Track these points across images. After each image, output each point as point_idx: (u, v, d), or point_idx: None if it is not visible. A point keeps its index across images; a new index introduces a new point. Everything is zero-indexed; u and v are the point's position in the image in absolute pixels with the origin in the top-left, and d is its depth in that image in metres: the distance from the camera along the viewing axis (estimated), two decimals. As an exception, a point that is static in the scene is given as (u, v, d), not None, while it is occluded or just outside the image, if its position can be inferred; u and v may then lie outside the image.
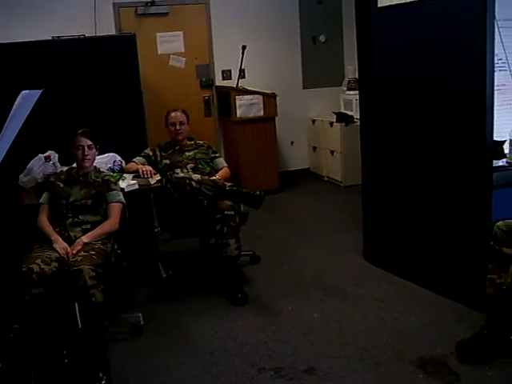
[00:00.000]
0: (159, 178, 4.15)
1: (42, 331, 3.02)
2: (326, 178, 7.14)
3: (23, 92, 1.23)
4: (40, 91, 1.36)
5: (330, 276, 4.20)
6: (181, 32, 6.71)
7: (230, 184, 4.20)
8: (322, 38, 7.22)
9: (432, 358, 2.98)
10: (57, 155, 4.14)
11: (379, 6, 3.78)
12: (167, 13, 6.61)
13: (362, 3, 3.96)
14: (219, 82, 7.00)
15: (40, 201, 3.58)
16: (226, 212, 3.93)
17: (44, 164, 4.03)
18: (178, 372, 3.07)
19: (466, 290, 3.47)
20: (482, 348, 2.90)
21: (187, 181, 4.00)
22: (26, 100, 1.25)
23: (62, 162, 4.08)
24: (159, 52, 6.71)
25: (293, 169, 7.47)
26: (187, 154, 4.50)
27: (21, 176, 4.08)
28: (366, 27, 3.96)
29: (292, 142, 7.43)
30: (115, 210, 3.55)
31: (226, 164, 4.59)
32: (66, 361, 3.17)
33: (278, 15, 7.01)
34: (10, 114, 1.20)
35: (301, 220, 5.71)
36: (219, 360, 3.15)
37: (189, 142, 4.61)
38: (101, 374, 2.96)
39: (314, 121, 7.27)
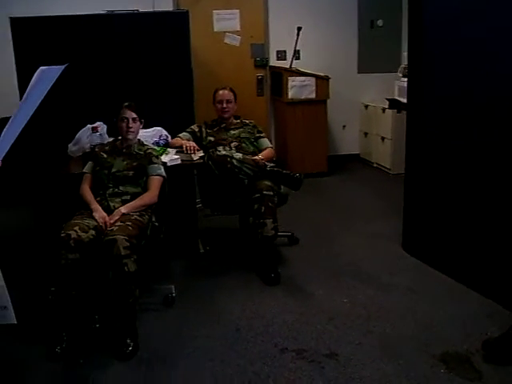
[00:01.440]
0: (202, 154, 4.20)
1: (76, 295, 3.13)
2: (375, 165, 7.07)
3: (41, 68, 1.25)
4: (62, 67, 1.37)
5: (366, 263, 4.18)
6: (237, 10, 6.71)
7: (271, 165, 4.22)
8: (379, 23, 7.08)
9: (456, 353, 2.93)
10: (105, 126, 4.24)
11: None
12: (225, -9, 6.64)
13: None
14: (273, 62, 6.98)
15: (84, 170, 3.70)
16: (264, 192, 3.96)
17: (91, 134, 4.14)
18: (203, 345, 3.14)
19: (501, 288, 3.39)
20: (508, 348, 2.84)
21: (228, 159, 4.05)
22: (45, 76, 1.27)
23: (110, 133, 4.17)
24: (215, 29, 6.74)
25: (343, 153, 7.42)
26: (232, 132, 4.53)
27: (69, 145, 4.20)
28: (418, 11, 3.88)
29: (344, 126, 7.37)
30: (155, 182, 3.62)
31: (270, 144, 4.60)
32: (97, 325, 3.30)
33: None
34: (27, 90, 1.23)
35: (344, 205, 5.69)
36: (244, 337, 3.21)
37: (235, 121, 4.64)
38: (128, 341, 3.06)
39: (366, 106, 7.18)
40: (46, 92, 1.37)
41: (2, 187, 5.83)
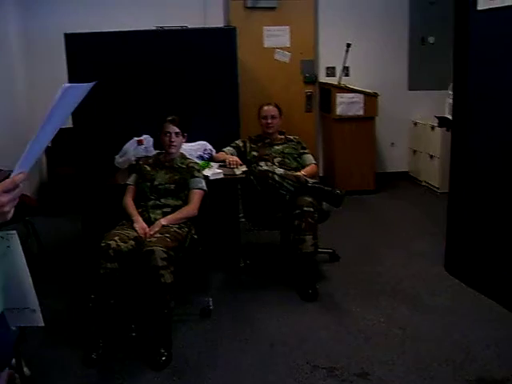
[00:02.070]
0: (245, 169, 4.24)
1: (115, 304, 3.21)
2: (423, 183, 6.96)
3: (65, 85, 1.28)
4: (90, 84, 1.40)
5: (407, 282, 4.12)
6: (287, 27, 6.75)
7: (313, 181, 4.23)
8: (431, 40, 6.98)
9: (492, 379, 2.86)
10: (151, 140, 4.33)
11: (479, 8, 3.65)
12: (275, 7, 6.67)
13: (461, 6, 3.84)
14: (323, 78, 6.98)
15: (127, 182, 3.80)
16: (305, 208, 3.97)
17: (137, 147, 4.24)
18: (236, 358, 3.17)
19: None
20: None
21: (270, 174, 4.08)
22: (70, 93, 1.31)
23: (156, 146, 4.26)
24: (265, 45, 6.78)
25: (391, 171, 7.34)
26: (276, 147, 4.57)
27: (116, 157, 4.31)
28: (465, 31, 3.83)
29: (392, 144, 7.30)
30: (196, 196, 3.68)
31: (313, 161, 4.61)
32: (133, 334, 3.37)
33: (387, 14, 6.88)
34: (50, 107, 1.27)
35: (389, 223, 5.63)
36: (277, 353, 3.21)
37: (279, 136, 4.67)
38: (162, 351, 3.11)
39: (415, 123, 7.10)
40: (72, 109, 1.41)
41: (53, 196, 6.05)
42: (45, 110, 1.27)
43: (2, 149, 4.74)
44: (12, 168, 1.30)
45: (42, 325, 1.86)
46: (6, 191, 1.27)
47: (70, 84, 1.29)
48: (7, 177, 1.31)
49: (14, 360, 2.58)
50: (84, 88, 1.39)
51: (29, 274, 1.77)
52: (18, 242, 1.75)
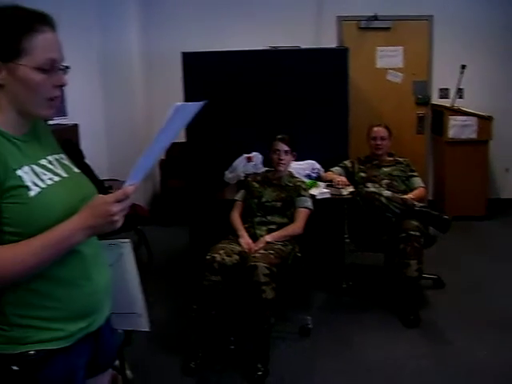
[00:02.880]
0: (352, 189, 4.24)
1: (216, 316, 3.31)
2: (539, 211, 6.63)
3: (176, 104, 1.36)
4: (200, 103, 1.48)
5: (515, 316, 3.95)
6: (401, 47, 6.67)
7: (420, 204, 4.15)
8: (551, 60, 6.67)
9: None
10: (261, 157, 4.44)
11: None
12: (389, 28, 6.62)
13: None
14: (435, 100, 6.83)
15: (235, 197, 3.91)
16: (410, 232, 3.91)
17: (246, 164, 4.36)
18: (332, 379, 3.18)
19: None
20: None
21: (376, 196, 4.06)
22: (181, 112, 1.39)
23: (266, 163, 4.34)
24: (378, 66, 6.73)
25: (505, 197, 7.03)
26: (384, 169, 4.53)
27: (226, 172, 4.45)
28: None
29: (507, 169, 6.99)
30: (302, 214, 3.73)
31: (422, 184, 4.52)
32: (232, 347, 3.45)
33: (504, 34, 6.61)
34: (162, 126, 1.35)
35: (500, 251, 5.38)
36: (374, 377, 3.19)
37: (388, 158, 4.63)
38: (259, 366, 3.17)
39: (533, 149, 6.78)
40: (182, 126, 1.50)
41: (164, 207, 6.31)
42: (160, 125, 1.36)
43: (121, 159, 5.01)
44: None
45: (147, 329, 1.96)
46: (118, 201, 1.37)
47: (180, 103, 1.37)
48: None
49: (117, 362, 2.72)
50: (194, 107, 1.47)
51: (139, 280, 1.88)
52: (131, 250, 1.86)
